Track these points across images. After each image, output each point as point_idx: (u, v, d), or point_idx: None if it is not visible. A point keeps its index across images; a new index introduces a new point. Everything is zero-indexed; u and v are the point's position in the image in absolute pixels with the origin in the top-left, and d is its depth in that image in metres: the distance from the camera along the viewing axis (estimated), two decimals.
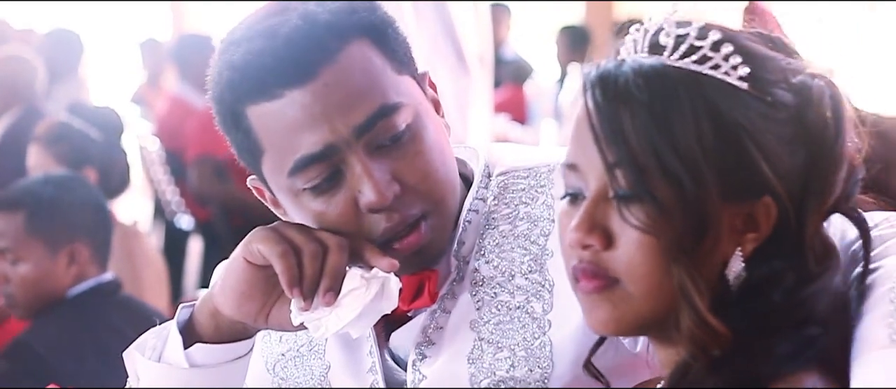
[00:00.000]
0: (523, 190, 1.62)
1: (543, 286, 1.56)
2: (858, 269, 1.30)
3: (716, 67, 1.23)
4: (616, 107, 1.21)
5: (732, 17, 1.34)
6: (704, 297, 1.20)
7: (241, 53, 1.50)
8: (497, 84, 7.12)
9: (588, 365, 1.47)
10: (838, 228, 1.33)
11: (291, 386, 1.69)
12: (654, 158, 1.19)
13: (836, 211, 1.28)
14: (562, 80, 8.05)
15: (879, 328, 1.24)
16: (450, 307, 1.59)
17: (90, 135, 4.25)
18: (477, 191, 1.62)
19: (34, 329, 3.07)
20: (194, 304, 1.59)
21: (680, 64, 1.23)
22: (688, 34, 1.24)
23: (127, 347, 1.60)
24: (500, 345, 1.56)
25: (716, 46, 1.23)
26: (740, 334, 1.20)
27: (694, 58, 1.23)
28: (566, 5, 10.77)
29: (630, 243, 1.21)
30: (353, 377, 1.64)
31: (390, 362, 1.63)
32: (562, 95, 7.52)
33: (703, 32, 1.24)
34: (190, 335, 1.57)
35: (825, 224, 1.28)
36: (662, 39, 1.25)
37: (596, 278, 1.24)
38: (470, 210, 1.60)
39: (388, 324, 1.61)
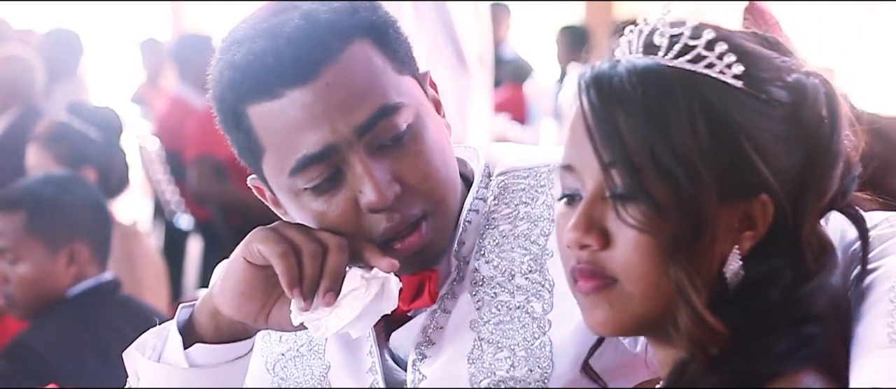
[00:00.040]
0: (523, 190, 1.62)
1: (543, 286, 1.56)
2: (857, 269, 1.31)
3: (710, 66, 1.23)
4: (611, 108, 1.22)
5: (732, 17, 1.34)
6: (702, 296, 1.20)
7: (242, 53, 1.50)
8: (497, 84, 7.13)
9: (585, 368, 1.48)
10: (838, 228, 1.33)
11: (291, 386, 1.69)
12: (650, 158, 1.19)
13: (832, 209, 1.29)
14: (562, 80, 8.05)
15: (879, 327, 1.24)
16: (450, 307, 1.59)
17: (90, 134, 4.24)
18: (477, 191, 1.62)
19: (34, 329, 3.06)
20: (194, 304, 1.59)
21: (675, 63, 1.23)
22: (682, 34, 1.24)
23: (127, 347, 1.60)
24: (500, 345, 1.56)
25: (710, 45, 1.23)
26: (738, 332, 1.20)
27: (688, 57, 1.23)
28: (566, 5, 10.77)
29: (627, 243, 1.22)
30: (352, 377, 1.64)
31: (390, 362, 1.63)
32: (561, 95, 7.52)
33: (697, 32, 1.24)
34: (190, 335, 1.57)
35: (824, 223, 1.28)
36: (657, 39, 1.25)
37: (594, 278, 1.24)
38: (470, 210, 1.60)
39: (388, 324, 1.61)
